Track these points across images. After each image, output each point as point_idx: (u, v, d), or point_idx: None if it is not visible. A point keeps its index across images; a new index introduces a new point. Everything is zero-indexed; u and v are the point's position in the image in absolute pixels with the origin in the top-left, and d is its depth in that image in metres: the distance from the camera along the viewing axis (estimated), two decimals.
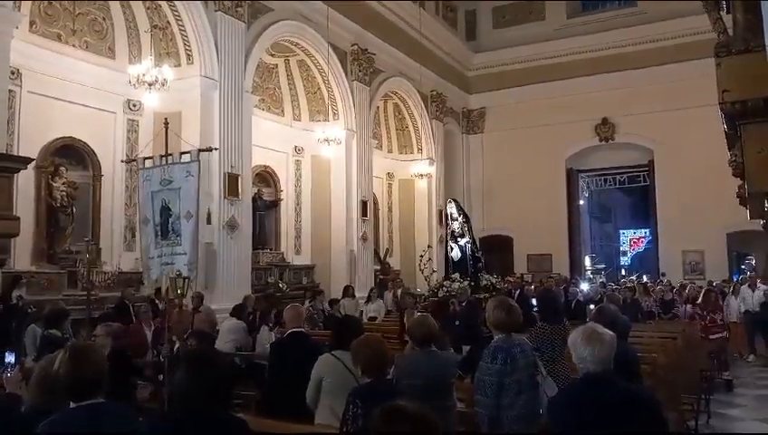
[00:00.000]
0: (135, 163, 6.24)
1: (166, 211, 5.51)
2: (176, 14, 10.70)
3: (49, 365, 2.71)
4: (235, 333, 8.29)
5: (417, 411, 1.89)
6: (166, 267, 5.49)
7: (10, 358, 3.47)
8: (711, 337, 9.50)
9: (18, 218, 8.07)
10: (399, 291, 12.36)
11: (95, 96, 10.69)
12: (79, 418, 2.44)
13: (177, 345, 5.20)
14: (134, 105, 11.15)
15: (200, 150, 5.67)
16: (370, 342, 3.41)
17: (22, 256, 9.46)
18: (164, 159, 5.74)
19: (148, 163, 5.82)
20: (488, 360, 3.56)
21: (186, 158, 5.66)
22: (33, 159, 9.13)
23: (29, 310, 7.98)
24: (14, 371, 3.14)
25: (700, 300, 10.41)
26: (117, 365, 3.97)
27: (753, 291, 11.97)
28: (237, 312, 8.68)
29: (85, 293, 9.80)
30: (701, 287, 14.10)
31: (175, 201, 5.46)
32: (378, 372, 3.30)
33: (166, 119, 6.32)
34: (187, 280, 5.40)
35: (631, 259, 28.66)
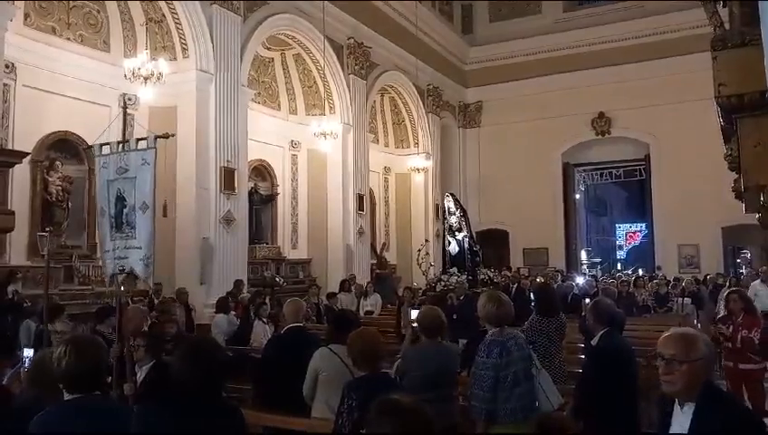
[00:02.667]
0: (93, 150, 5.77)
1: (120, 202, 5.20)
2: (171, 7, 10.64)
3: (45, 359, 2.72)
4: (218, 327, 8.41)
5: (410, 405, 1.90)
6: (119, 262, 5.18)
7: (29, 353, 3.48)
8: (741, 367, 6.04)
9: (13, 213, 8.05)
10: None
11: (90, 90, 10.63)
12: (72, 410, 2.45)
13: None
14: (129, 99, 11.08)
15: (157, 137, 5.30)
16: (364, 335, 3.41)
17: (17, 250, 9.43)
18: (121, 145, 5.40)
19: (106, 150, 5.43)
20: (484, 354, 3.58)
21: (142, 144, 5.28)
22: (29, 154, 9.09)
23: (24, 304, 7.97)
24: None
25: (722, 310, 7.19)
26: None
27: None
28: (222, 307, 8.73)
29: (82, 287, 9.89)
30: (697, 280, 14.13)
31: (130, 191, 5.15)
32: (372, 366, 3.30)
33: (125, 101, 6.02)
34: (130, 276, 5.17)
35: (627, 253, 28.76)
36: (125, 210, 5.15)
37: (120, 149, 5.34)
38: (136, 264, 5.07)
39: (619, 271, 20.96)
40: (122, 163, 5.22)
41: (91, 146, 5.90)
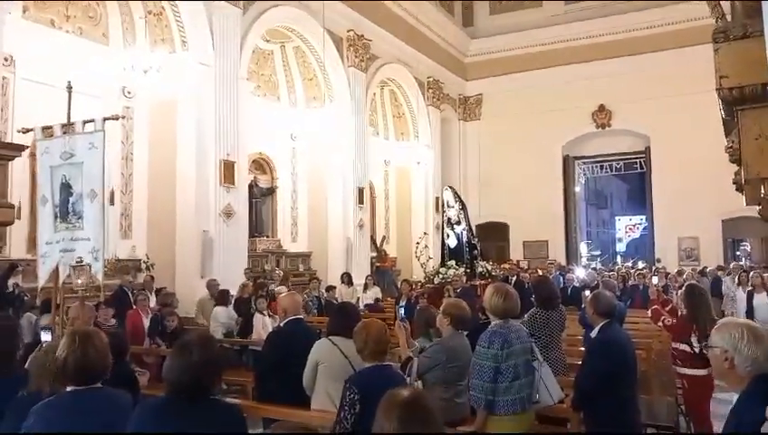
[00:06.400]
0: (33, 134, 5.32)
1: (66, 189, 4.80)
2: None
3: (49, 351, 2.73)
4: (215, 321, 8.47)
5: (415, 397, 1.90)
6: (65, 254, 4.78)
7: (47, 337, 3.46)
8: (680, 370, 5.20)
9: (13, 206, 8.02)
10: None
11: (89, 82, 10.57)
12: (71, 401, 2.47)
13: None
14: (129, 92, 11.06)
15: (105, 118, 4.91)
16: (371, 327, 3.42)
17: (18, 243, 9.43)
18: (65, 128, 4.99)
19: (50, 133, 5.07)
20: (485, 345, 3.59)
21: (89, 127, 4.87)
22: (28, 147, 9.05)
23: (25, 298, 7.98)
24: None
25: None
26: None
27: None
28: (222, 299, 8.77)
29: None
30: (702, 273, 14.02)
31: (77, 178, 4.75)
32: (377, 357, 3.31)
33: (69, 82, 5.71)
34: (78, 269, 4.88)
35: (627, 246, 28.80)
36: (71, 199, 4.79)
37: (64, 132, 4.97)
38: (86, 256, 4.71)
39: (615, 263, 21.02)
40: (67, 148, 4.85)
41: (30, 129, 5.40)
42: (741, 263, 14.11)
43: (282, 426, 2.06)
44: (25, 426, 2.44)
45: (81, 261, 4.73)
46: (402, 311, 4.61)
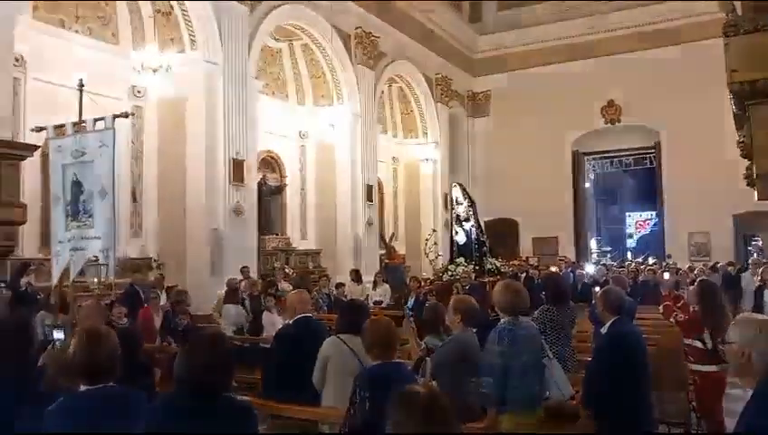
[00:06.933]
0: (46, 132, 5.35)
1: (77, 187, 4.80)
2: None
3: (64, 349, 2.76)
4: (226, 319, 8.57)
5: (430, 396, 1.90)
6: (75, 253, 4.77)
7: (59, 335, 3.49)
8: (692, 366, 5.35)
9: (25, 206, 8.09)
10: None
11: (99, 82, 10.62)
12: (84, 401, 2.49)
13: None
14: (138, 91, 11.11)
15: (115, 116, 4.91)
16: (379, 324, 3.42)
17: (30, 243, 9.50)
18: (77, 127, 5.01)
19: (62, 131, 5.09)
20: (494, 342, 3.59)
21: (100, 125, 4.86)
22: (39, 147, 9.12)
23: (38, 297, 8.03)
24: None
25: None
26: None
27: None
28: (229, 297, 8.82)
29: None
30: (713, 268, 13.90)
31: (87, 176, 4.75)
32: (386, 355, 3.31)
33: (81, 80, 5.64)
34: (89, 267, 4.87)
35: (637, 242, 28.58)
36: (81, 197, 4.79)
37: (75, 130, 4.98)
38: (98, 255, 4.74)
39: (625, 259, 20.88)
40: (78, 146, 4.84)
41: (43, 128, 5.43)
42: (762, 259, 13.96)
43: (276, 425, 2.06)
44: (41, 427, 2.45)
45: (97, 260, 4.78)
46: (408, 309, 4.60)
